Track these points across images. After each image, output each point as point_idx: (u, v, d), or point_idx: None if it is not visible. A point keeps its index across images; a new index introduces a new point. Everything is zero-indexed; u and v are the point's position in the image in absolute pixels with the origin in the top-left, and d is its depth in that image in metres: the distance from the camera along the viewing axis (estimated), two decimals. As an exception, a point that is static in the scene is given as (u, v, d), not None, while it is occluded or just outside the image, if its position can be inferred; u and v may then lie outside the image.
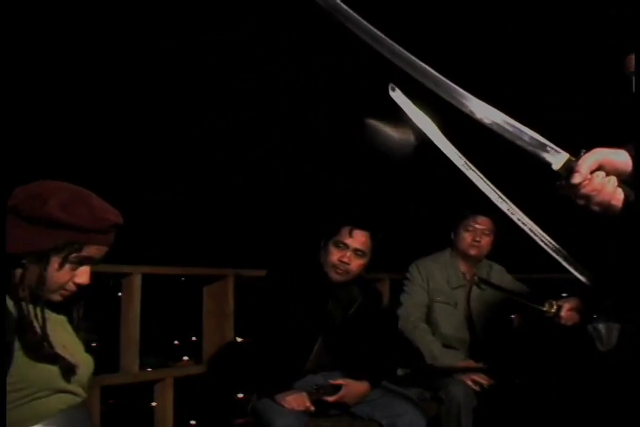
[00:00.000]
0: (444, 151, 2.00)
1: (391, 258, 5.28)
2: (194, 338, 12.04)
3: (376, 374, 3.91)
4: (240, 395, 4.50)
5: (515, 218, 2.02)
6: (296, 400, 3.64)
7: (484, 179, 2.02)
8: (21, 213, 2.21)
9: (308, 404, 3.66)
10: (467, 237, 4.59)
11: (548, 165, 1.81)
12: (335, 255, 3.87)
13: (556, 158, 1.80)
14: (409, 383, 4.31)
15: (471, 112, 1.83)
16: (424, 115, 2.01)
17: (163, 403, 4.49)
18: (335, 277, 3.89)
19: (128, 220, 2.37)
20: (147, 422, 4.79)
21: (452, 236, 4.68)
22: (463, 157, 2.01)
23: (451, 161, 2.01)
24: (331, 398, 3.76)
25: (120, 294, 4.39)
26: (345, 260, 3.85)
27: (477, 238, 4.57)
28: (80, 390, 2.33)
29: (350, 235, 3.87)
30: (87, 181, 2.40)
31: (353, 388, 3.80)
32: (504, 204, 2.02)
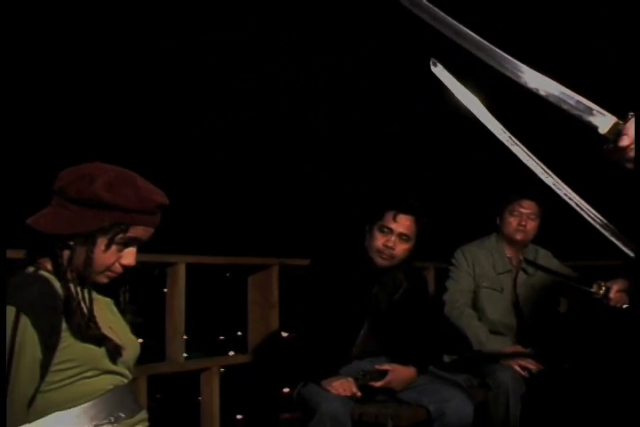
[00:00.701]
0: (488, 126, 1.99)
1: (436, 246, 5.28)
2: (239, 333, 12.07)
3: (422, 360, 3.92)
4: (286, 389, 4.51)
5: (561, 193, 1.99)
6: (342, 385, 3.65)
7: (529, 153, 2.00)
8: (68, 194, 2.22)
9: (355, 389, 3.67)
10: (512, 222, 4.56)
11: (595, 128, 1.79)
12: (380, 240, 3.87)
13: (603, 122, 1.77)
14: (456, 370, 4.29)
15: (516, 76, 1.82)
16: (466, 90, 2.00)
17: (209, 393, 4.51)
18: (380, 261, 3.89)
19: (170, 211, 2.39)
20: (194, 417, 4.81)
21: (498, 221, 4.65)
22: (507, 132, 2.00)
23: (495, 137, 2.00)
24: (377, 384, 3.77)
25: (165, 289, 4.44)
26: (390, 244, 3.85)
27: (523, 223, 4.53)
28: (126, 372, 2.36)
29: (395, 219, 3.87)
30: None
31: (399, 373, 3.80)
32: (549, 178, 1.99)
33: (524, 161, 2.00)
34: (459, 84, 1.99)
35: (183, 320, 4.36)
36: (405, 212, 3.88)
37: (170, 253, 4.35)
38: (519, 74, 1.84)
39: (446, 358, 4.54)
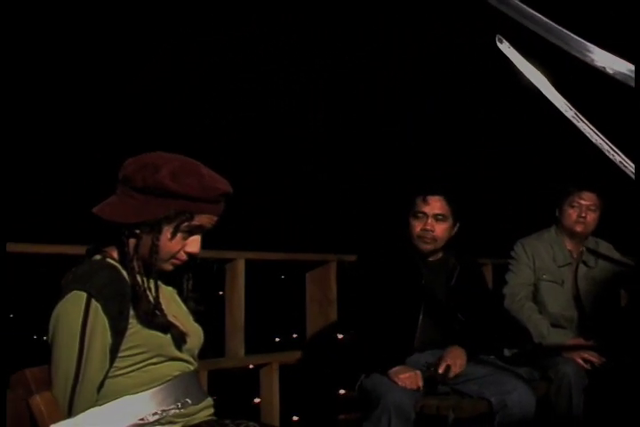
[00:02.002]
0: (554, 102, 1.97)
1: (493, 242, 5.24)
2: (295, 335, 12.08)
3: (473, 341, 3.92)
4: (342, 391, 4.49)
5: (628, 171, 1.96)
6: (410, 378, 3.64)
7: (595, 130, 1.98)
8: (133, 183, 2.24)
9: (421, 383, 3.65)
10: (572, 214, 4.50)
11: None
12: (417, 226, 3.92)
13: None
14: (517, 363, 4.20)
15: (583, 55, 1.80)
16: (532, 66, 1.98)
17: (268, 389, 4.51)
18: (424, 246, 3.93)
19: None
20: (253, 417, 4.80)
21: (557, 213, 4.60)
22: (573, 109, 1.98)
23: (559, 113, 1.98)
24: (440, 369, 3.74)
25: (221, 292, 4.46)
26: (428, 227, 3.90)
27: (583, 214, 4.48)
28: (191, 359, 2.38)
29: (425, 202, 3.92)
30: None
31: (452, 353, 3.80)
32: (616, 156, 1.97)
33: (590, 138, 1.98)
34: (524, 60, 1.97)
35: (243, 316, 4.39)
36: (433, 193, 3.93)
37: (229, 250, 4.39)
38: (586, 53, 1.82)
39: (507, 352, 4.49)
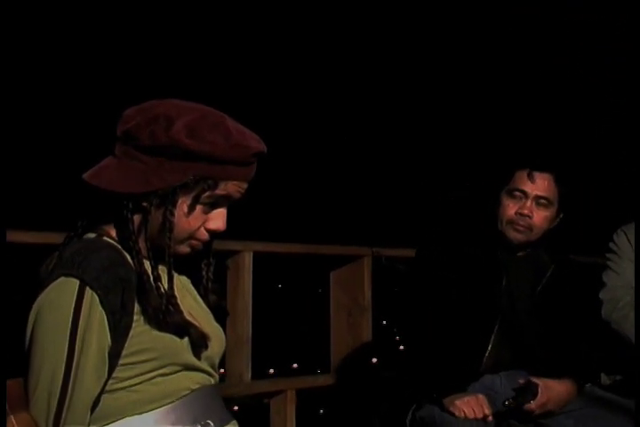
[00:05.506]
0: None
1: (577, 236, 5.18)
2: (295, 365, 12.20)
3: (581, 371, 3.82)
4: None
5: None
6: (470, 404, 3.52)
7: None
8: (138, 140, 2.21)
9: (487, 410, 3.53)
10: None
11: None
12: (511, 208, 3.80)
13: None
14: (620, 393, 4.14)
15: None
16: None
17: (281, 425, 4.47)
18: (514, 235, 3.81)
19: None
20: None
21: None
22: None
23: None
24: (531, 405, 3.61)
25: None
26: (525, 211, 3.77)
27: None
28: (211, 370, 2.37)
29: (528, 179, 3.80)
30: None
31: (554, 389, 3.68)
32: None
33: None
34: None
35: (250, 324, 4.40)
36: (541, 169, 3.81)
37: (233, 240, 4.29)
38: None
39: (605, 379, 4.41)
